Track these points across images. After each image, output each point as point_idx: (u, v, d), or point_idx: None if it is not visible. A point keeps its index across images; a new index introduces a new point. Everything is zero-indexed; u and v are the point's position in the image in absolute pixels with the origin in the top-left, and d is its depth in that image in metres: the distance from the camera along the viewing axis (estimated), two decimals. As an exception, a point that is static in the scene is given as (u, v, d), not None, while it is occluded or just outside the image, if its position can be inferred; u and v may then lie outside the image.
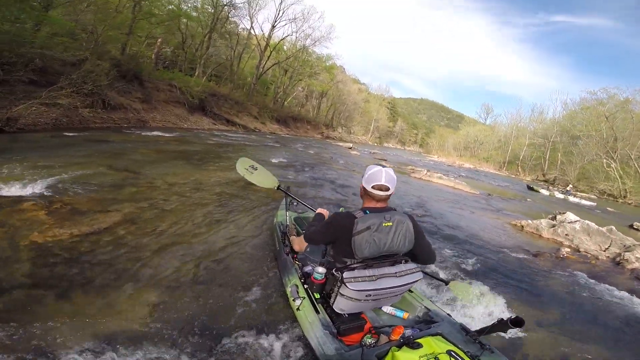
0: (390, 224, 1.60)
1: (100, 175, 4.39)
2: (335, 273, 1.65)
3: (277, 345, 1.85)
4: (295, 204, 3.26)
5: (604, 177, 26.09)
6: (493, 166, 43.13)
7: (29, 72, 8.17)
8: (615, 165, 25.19)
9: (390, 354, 1.34)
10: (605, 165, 25.97)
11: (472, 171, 29.39)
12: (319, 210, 2.29)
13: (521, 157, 40.14)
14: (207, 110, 19.09)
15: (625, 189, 23.60)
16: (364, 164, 13.95)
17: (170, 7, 16.94)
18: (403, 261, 1.72)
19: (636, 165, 24.69)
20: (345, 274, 1.57)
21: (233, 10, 25.36)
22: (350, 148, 22.20)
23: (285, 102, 36.76)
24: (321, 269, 1.81)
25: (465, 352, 1.33)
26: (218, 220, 3.67)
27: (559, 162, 32.44)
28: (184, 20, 22.30)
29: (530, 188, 19.45)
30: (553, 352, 2.37)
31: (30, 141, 6.26)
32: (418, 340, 1.36)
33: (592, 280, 3.98)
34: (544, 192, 18.40)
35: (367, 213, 1.61)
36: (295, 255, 2.33)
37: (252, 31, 29.73)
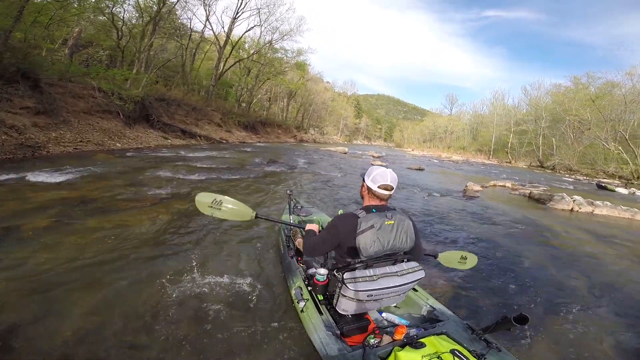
0: (393, 222, 1.60)
1: None
2: (336, 274, 1.65)
3: (282, 347, 1.85)
4: (299, 207, 3.32)
5: (603, 159, 24.78)
6: (482, 156, 41.66)
7: None
8: (615, 146, 23.93)
9: (392, 354, 1.30)
10: (613, 148, 24.58)
11: (475, 165, 26.81)
12: (308, 226, 2.10)
13: (509, 144, 38.81)
14: (154, 119, 13.96)
15: (638, 170, 22.22)
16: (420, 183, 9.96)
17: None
18: (405, 260, 1.70)
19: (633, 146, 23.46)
20: (346, 275, 1.56)
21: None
22: (346, 153, 18.24)
23: (252, 105, 31.89)
24: (323, 271, 1.81)
25: (470, 351, 1.30)
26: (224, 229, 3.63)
27: (555, 147, 31.12)
28: (121, 14, 16.99)
29: (601, 187, 15.74)
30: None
31: None
32: (421, 340, 1.33)
33: None
34: (622, 191, 15.03)
35: (374, 211, 1.61)
36: (299, 258, 2.37)
37: (208, 25, 24.46)
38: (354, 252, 1.58)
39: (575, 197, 8.44)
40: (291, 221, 2.89)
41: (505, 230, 5.33)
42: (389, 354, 1.32)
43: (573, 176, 23.15)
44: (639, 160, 22.90)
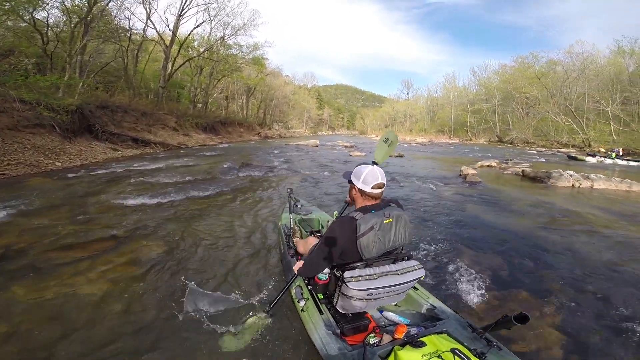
0: (391, 220, 1.59)
1: None
2: (336, 273, 1.64)
3: (282, 347, 1.83)
4: (299, 206, 3.27)
5: (554, 131, 26.86)
6: (444, 136, 43.47)
7: None
8: (565, 118, 25.99)
9: (393, 353, 1.30)
10: (563, 120, 26.62)
11: (442, 145, 27.63)
12: (300, 248, 2.27)
13: (468, 123, 40.91)
14: (98, 129, 12.27)
15: (589, 138, 24.34)
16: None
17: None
18: (405, 258, 1.70)
19: (576, 115, 25.49)
20: (346, 274, 1.55)
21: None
22: (317, 146, 17.72)
23: (208, 104, 29.91)
24: None
25: (471, 350, 1.29)
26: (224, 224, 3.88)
27: (511, 122, 33.14)
28: (45, 18, 14.62)
29: (572, 157, 16.99)
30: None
31: None
32: (422, 339, 1.32)
33: None
34: (591, 160, 16.09)
35: (373, 212, 1.59)
36: (299, 257, 2.34)
37: (150, 24, 22.04)
38: (356, 254, 1.57)
39: (569, 172, 8.69)
40: (291, 220, 2.92)
41: (529, 218, 5.15)
42: (389, 353, 1.31)
43: (533, 148, 24.72)
44: (587, 130, 25.16)
